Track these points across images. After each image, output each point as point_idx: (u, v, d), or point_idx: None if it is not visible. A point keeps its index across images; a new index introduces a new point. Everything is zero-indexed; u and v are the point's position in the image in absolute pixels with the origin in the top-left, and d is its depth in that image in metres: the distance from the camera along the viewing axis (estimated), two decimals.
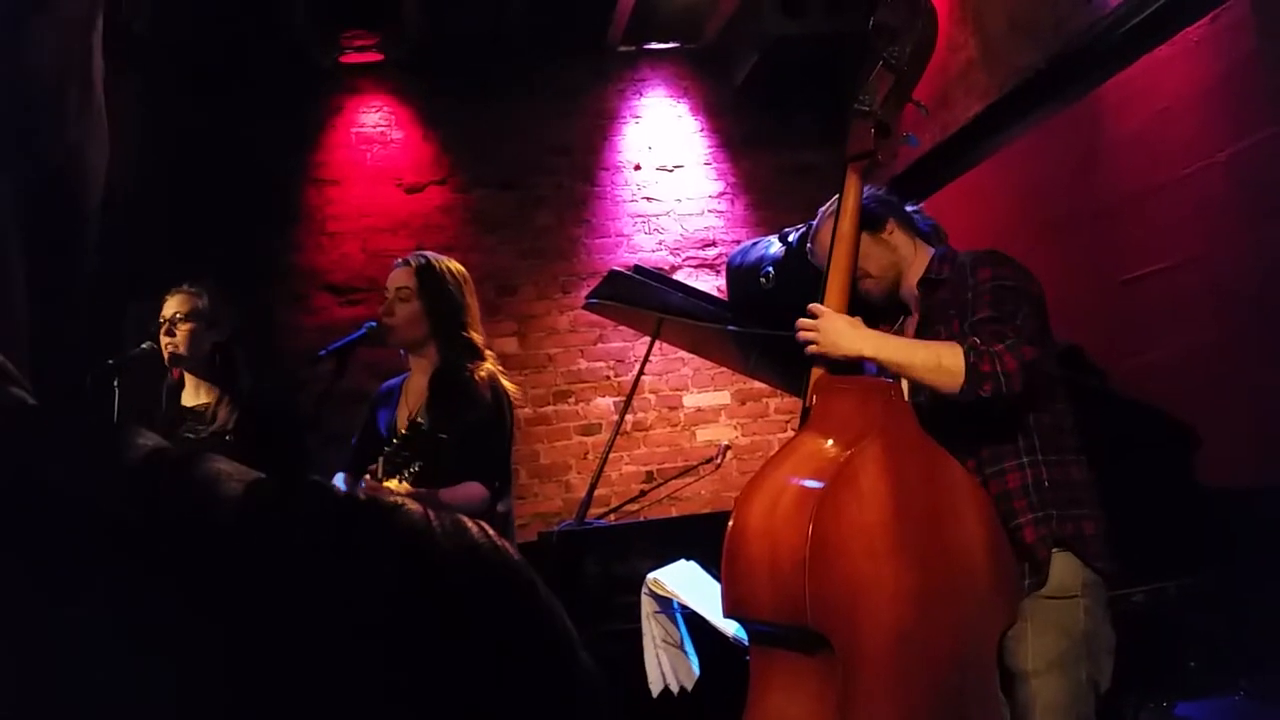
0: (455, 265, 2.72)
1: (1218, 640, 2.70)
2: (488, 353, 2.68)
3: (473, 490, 2.45)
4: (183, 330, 2.84)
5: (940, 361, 1.84)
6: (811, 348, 1.91)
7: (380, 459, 2.32)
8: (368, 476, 2.32)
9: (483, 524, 0.45)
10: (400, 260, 2.72)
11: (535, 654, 0.44)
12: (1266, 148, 2.92)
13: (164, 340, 2.84)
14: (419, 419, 2.53)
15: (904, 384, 1.99)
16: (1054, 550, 1.90)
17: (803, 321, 1.93)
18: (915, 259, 2.10)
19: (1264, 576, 2.62)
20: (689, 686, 2.50)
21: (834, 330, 1.89)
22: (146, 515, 0.39)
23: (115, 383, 2.84)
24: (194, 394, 2.89)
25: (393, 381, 2.78)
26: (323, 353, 2.62)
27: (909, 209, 2.18)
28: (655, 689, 2.52)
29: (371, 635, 0.39)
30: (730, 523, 1.84)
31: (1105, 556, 1.92)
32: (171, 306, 2.87)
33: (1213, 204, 3.13)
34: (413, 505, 0.44)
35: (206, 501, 0.41)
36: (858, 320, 1.92)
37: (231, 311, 2.98)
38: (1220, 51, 3.07)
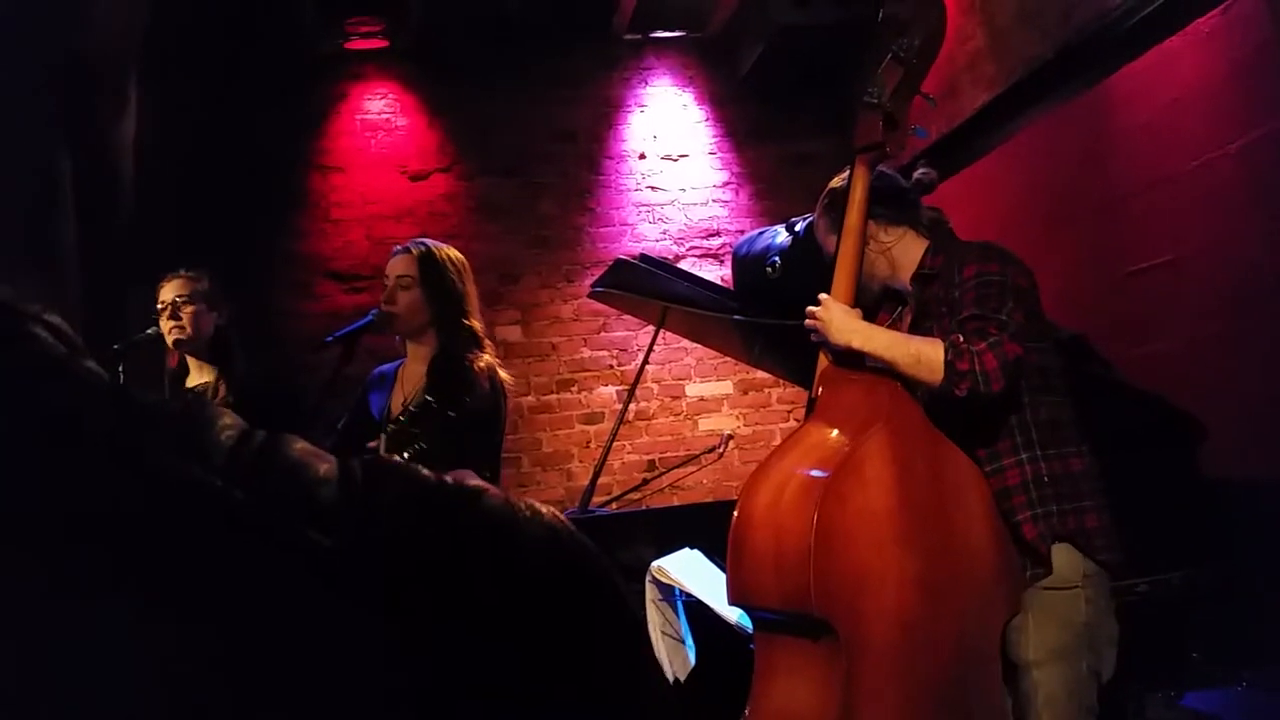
0: (455, 253, 2.71)
1: (1221, 631, 2.71)
2: (487, 343, 2.68)
3: (465, 478, 2.44)
4: (187, 313, 2.87)
5: (920, 357, 1.86)
6: (815, 335, 1.97)
7: (384, 436, 2.32)
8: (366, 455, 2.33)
9: (555, 510, 0.46)
10: (400, 247, 2.71)
11: (615, 640, 0.44)
12: (1277, 140, 2.90)
13: (168, 324, 2.87)
14: (428, 397, 2.53)
15: None
16: (1055, 543, 1.90)
17: (810, 309, 1.98)
18: (909, 253, 2.09)
19: (1267, 568, 2.63)
20: (683, 677, 2.51)
21: (829, 319, 1.94)
22: (253, 494, 0.39)
23: (120, 368, 2.86)
24: (197, 375, 2.94)
25: (386, 366, 2.78)
26: (328, 339, 2.63)
27: (910, 189, 2.16)
28: None
29: (458, 619, 0.40)
30: (736, 512, 1.84)
31: (1109, 548, 1.92)
32: (171, 291, 2.89)
33: (1222, 196, 3.12)
34: (494, 490, 0.45)
35: (309, 481, 0.41)
36: (855, 312, 1.95)
37: (227, 295, 3.01)
38: (1232, 43, 3.05)
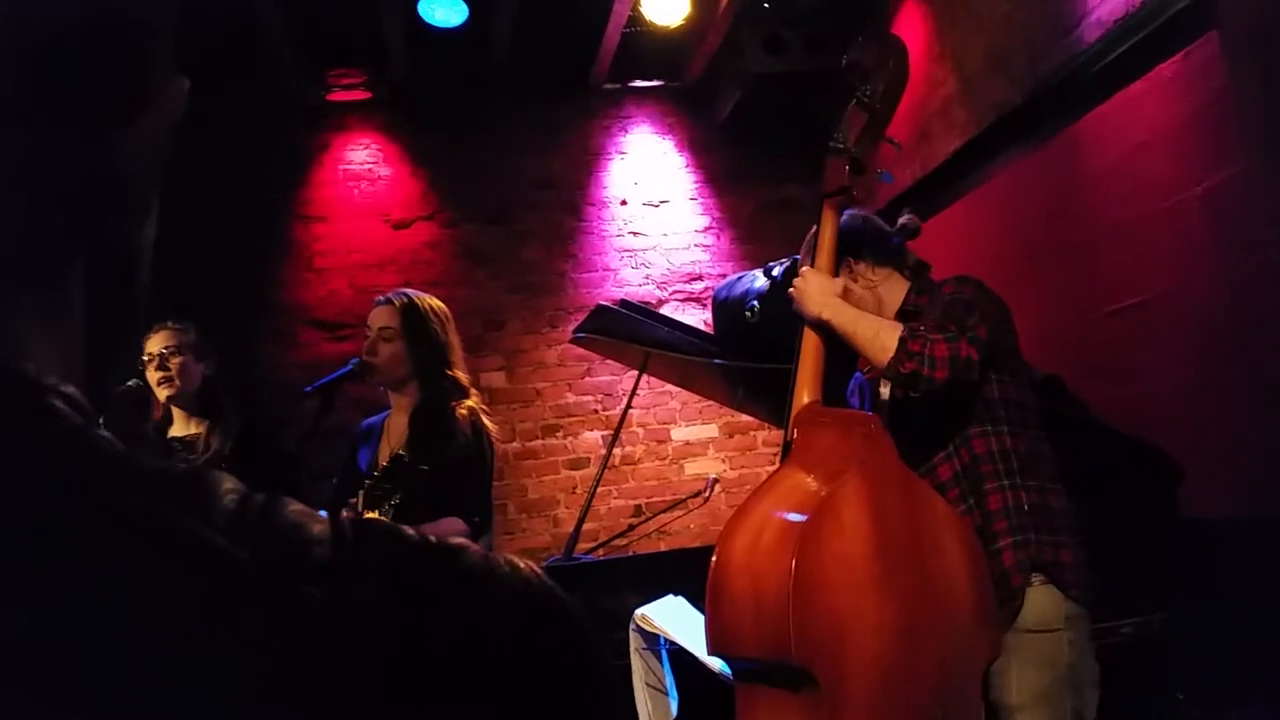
0: (437, 303, 2.72)
1: (1204, 671, 2.70)
2: (472, 391, 2.68)
3: (453, 526, 2.45)
4: (175, 364, 2.88)
5: (878, 335, 1.91)
6: (795, 306, 2.02)
7: (362, 492, 2.32)
8: (346, 511, 2.33)
9: (532, 564, 0.47)
10: (382, 298, 2.72)
11: (589, 689, 0.45)
12: (1239, 182, 2.96)
13: (157, 375, 2.87)
14: (401, 452, 2.54)
15: (884, 389, 2.03)
16: (1033, 577, 1.91)
17: (795, 279, 2.03)
18: (893, 293, 2.13)
19: (1246, 608, 2.63)
20: None
21: (806, 288, 1.99)
22: (254, 553, 0.41)
23: (100, 421, 2.85)
24: (183, 425, 2.92)
25: (373, 419, 2.78)
26: (308, 389, 2.63)
27: (895, 234, 2.20)
28: None
29: (434, 674, 0.41)
30: (713, 559, 1.84)
31: (1080, 585, 1.93)
32: (158, 342, 2.89)
33: (1191, 237, 3.16)
34: (474, 547, 0.46)
35: (304, 540, 0.42)
36: (833, 285, 1.99)
37: (211, 345, 3.03)
38: (1193, 87, 3.12)
